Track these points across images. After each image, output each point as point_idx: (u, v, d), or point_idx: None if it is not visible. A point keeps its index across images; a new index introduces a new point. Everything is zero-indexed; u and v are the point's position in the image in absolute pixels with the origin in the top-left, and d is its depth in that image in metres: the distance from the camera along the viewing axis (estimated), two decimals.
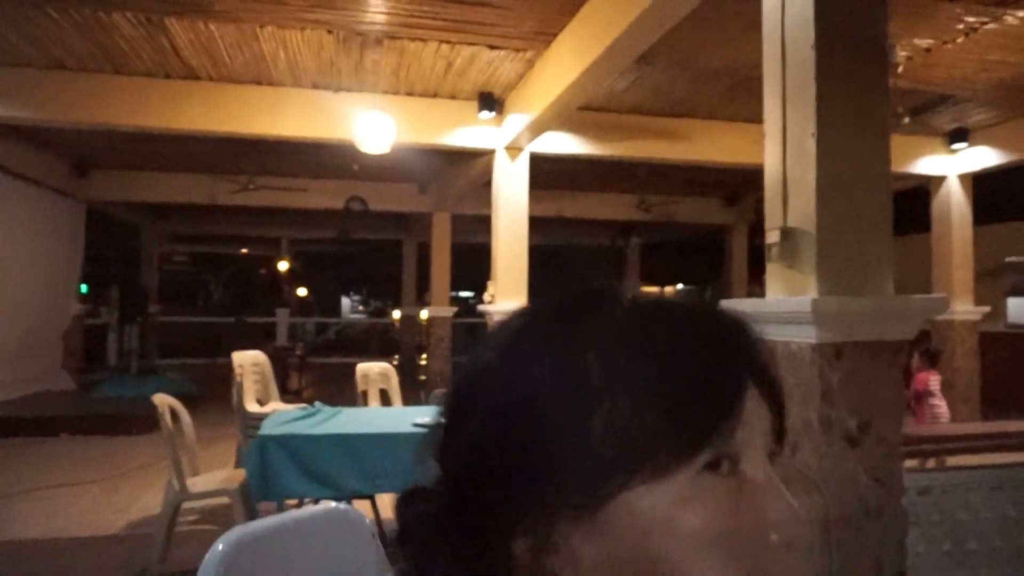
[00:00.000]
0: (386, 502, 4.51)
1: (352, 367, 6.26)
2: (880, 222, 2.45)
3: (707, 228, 13.81)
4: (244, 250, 23.07)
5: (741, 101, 7.16)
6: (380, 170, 9.89)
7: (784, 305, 2.39)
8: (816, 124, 2.41)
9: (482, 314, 7.55)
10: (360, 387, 5.92)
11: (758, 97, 7.09)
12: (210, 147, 8.65)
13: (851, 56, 2.47)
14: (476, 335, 16.15)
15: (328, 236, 16.39)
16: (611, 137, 7.64)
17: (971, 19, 5.17)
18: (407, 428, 3.87)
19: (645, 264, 17.33)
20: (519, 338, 0.52)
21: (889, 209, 2.49)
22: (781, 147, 2.61)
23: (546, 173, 7.69)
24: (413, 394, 7.33)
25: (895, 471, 2.43)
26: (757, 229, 13.00)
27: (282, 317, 17.40)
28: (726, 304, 0.52)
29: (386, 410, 5.52)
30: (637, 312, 0.52)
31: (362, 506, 4.01)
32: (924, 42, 5.57)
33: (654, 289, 20.64)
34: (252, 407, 5.73)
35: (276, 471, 3.63)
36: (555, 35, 5.42)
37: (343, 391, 9.39)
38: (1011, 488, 3.03)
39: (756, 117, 7.70)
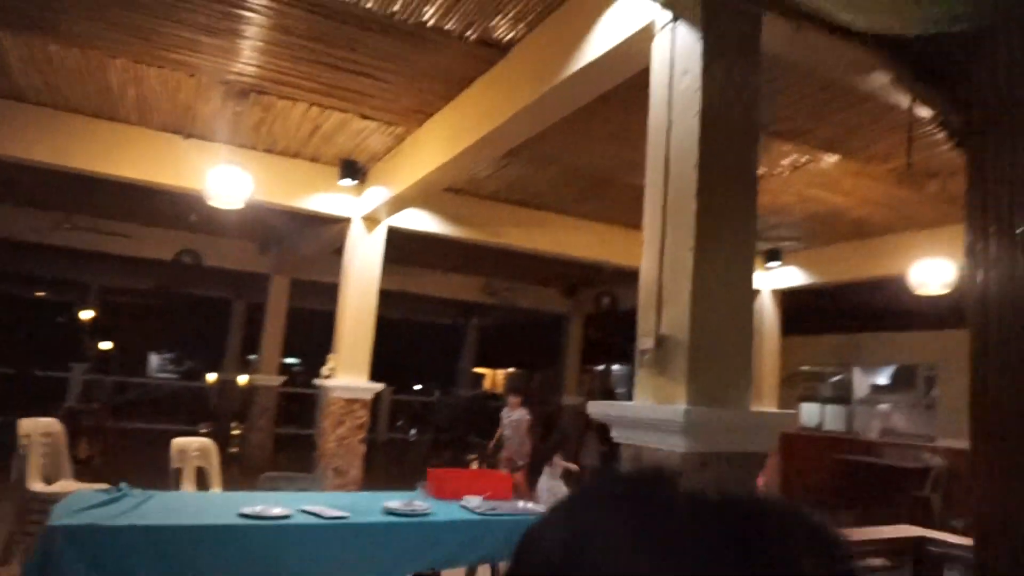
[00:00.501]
0: None
1: (157, 433, 5.62)
2: (744, 336, 2.60)
3: (545, 316, 14.25)
4: (40, 293, 20.52)
5: (593, 201, 7.58)
6: (220, 225, 9.30)
7: (657, 413, 2.44)
8: (695, 238, 2.54)
9: (314, 387, 7.16)
10: (175, 463, 5.30)
11: (608, 199, 7.59)
12: (26, 176, 7.71)
13: (729, 179, 2.67)
14: (304, 407, 15.34)
15: (145, 287, 15.03)
16: (468, 220, 7.74)
17: (796, 156, 5.87)
18: (234, 519, 3.44)
19: (483, 345, 17.52)
20: (581, 537, 0.47)
21: (751, 324, 2.66)
22: (659, 256, 2.72)
23: (397, 247, 7.62)
24: (228, 471, 6.70)
25: None
26: (592, 321, 13.63)
27: (77, 373, 15.44)
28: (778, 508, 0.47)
29: (208, 496, 4.94)
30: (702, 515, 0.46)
31: None
32: (758, 170, 6.23)
33: (487, 370, 20.83)
34: (37, 486, 4.92)
35: None
36: (430, 115, 5.46)
37: (147, 464, 8.37)
38: None
39: (603, 217, 8.25)
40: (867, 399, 11.45)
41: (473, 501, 3.95)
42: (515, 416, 7.77)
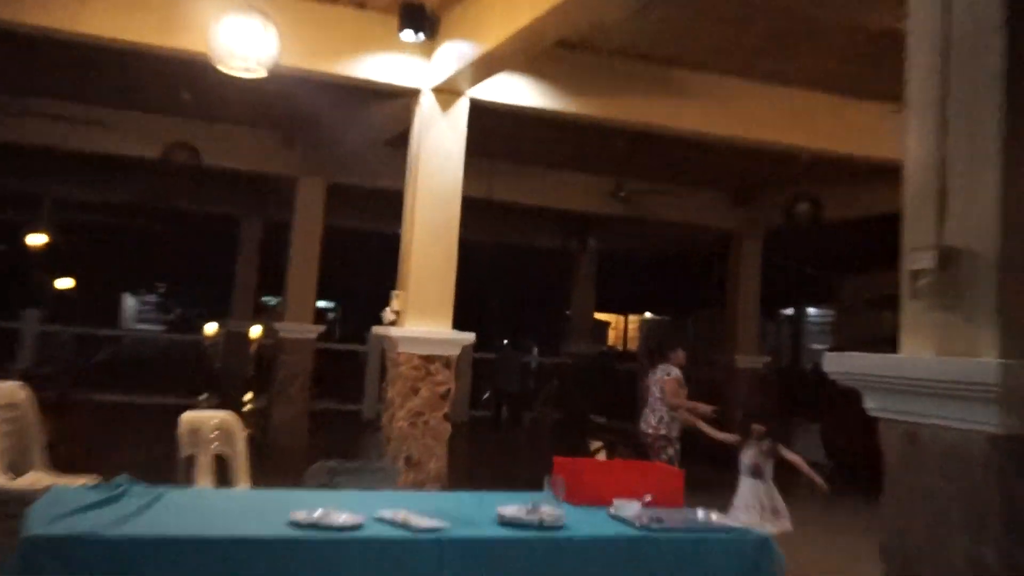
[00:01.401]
0: None
1: (139, 408, 5.84)
2: None
3: (704, 234, 14.04)
4: None
5: (782, 55, 7.26)
6: (226, 107, 9.49)
7: (949, 369, 2.32)
8: (1003, 98, 2.37)
9: (364, 341, 7.29)
10: (186, 449, 5.53)
11: (808, 50, 7.25)
12: None
13: None
14: (343, 373, 15.68)
15: (120, 200, 15.67)
16: (590, 89, 7.60)
17: None
18: (282, 529, 3.51)
19: (603, 279, 17.42)
20: None
21: None
22: (938, 123, 2.57)
23: (480, 134, 7.54)
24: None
25: None
26: (777, 241, 13.31)
27: (31, 323, 16.34)
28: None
29: (238, 495, 5.12)
30: None
31: None
32: None
33: (610, 317, 20.87)
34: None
35: None
36: None
37: (137, 450, 8.75)
38: None
39: (799, 80, 7.90)
40: None
41: (629, 508, 3.92)
42: (659, 373, 7.94)
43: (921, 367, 2.45)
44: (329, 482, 4.63)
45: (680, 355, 8.31)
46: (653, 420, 8.01)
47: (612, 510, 3.99)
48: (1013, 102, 2.40)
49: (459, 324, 7.08)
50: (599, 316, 19.19)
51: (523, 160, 11.47)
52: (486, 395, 16.80)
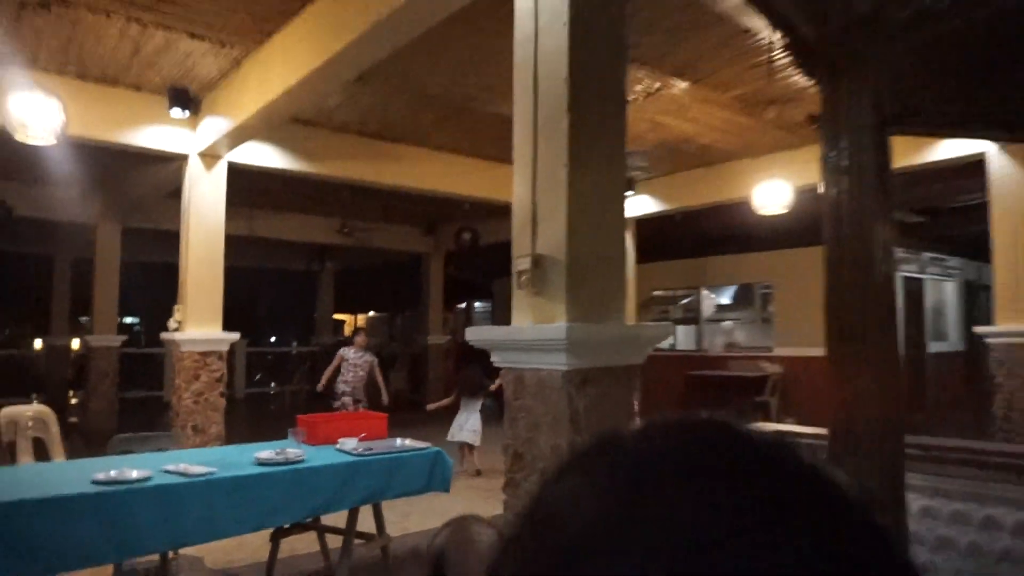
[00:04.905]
0: None
1: None
2: (618, 253, 2.61)
3: (405, 256, 13.99)
4: None
5: (452, 132, 7.39)
6: (28, 166, 8.18)
7: (539, 332, 2.40)
8: (568, 155, 2.48)
9: (161, 345, 6.60)
10: (5, 436, 4.73)
11: (468, 129, 7.43)
12: None
13: (599, 93, 2.61)
14: (149, 369, 14.29)
15: None
16: (318, 154, 7.32)
17: (649, 83, 5.97)
18: (87, 487, 3.05)
19: (341, 289, 16.96)
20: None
21: (624, 240, 2.66)
22: (532, 175, 2.64)
23: (240, 187, 7.06)
24: (70, 442, 6.10)
25: None
26: (453, 259, 13.54)
27: None
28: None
29: (51, 466, 4.44)
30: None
31: None
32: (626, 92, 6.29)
33: (346, 316, 20.32)
34: None
35: None
36: (270, 34, 5.00)
37: None
38: None
39: (463, 149, 8.08)
40: (713, 318, 12.29)
41: (349, 443, 3.81)
42: (366, 357, 7.66)
43: (524, 332, 2.52)
44: (127, 449, 4.10)
45: (361, 339, 7.87)
46: (359, 383, 7.68)
47: (338, 446, 3.85)
48: (573, 162, 2.53)
49: (234, 326, 6.62)
50: (338, 316, 18.59)
51: (274, 206, 10.85)
52: (258, 376, 15.93)
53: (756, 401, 9.80)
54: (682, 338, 12.59)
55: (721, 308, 12.48)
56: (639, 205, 9.49)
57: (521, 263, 2.57)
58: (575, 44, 2.55)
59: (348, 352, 7.68)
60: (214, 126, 6.01)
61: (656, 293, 12.65)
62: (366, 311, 19.98)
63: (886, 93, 2.60)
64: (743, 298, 12.19)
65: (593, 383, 2.40)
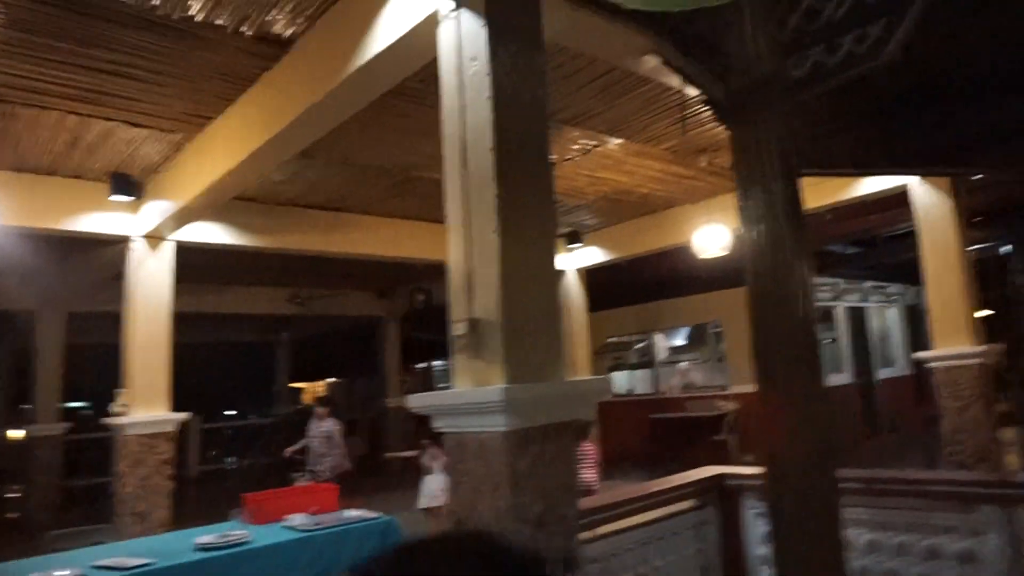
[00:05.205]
0: None
1: None
2: (552, 312, 2.70)
3: (361, 320, 13.93)
4: None
5: (397, 199, 7.51)
6: None
7: (476, 395, 2.45)
8: (497, 221, 2.58)
9: (107, 428, 6.42)
10: None
11: (412, 195, 7.56)
12: None
13: (525, 161, 2.74)
14: (103, 454, 13.75)
15: None
16: (266, 229, 7.36)
17: (585, 142, 6.21)
18: None
19: (298, 359, 16.75)
20: None
21: (558, 299, 2.76)
22: (465, 242, 2.74)
23: (189, 264, 7.05)
24: (7, 539, 5.82)
25: (574, 548, 2.60)
26: (408, 320, 13.53)
27: None
28: None
29: None
30: None
31: None
32: (551, 156, 6.49)
33: (304, 384, 19.99)
34: None
35: None
36: (210, 119, 5.09)
37: None
38: (656, 541, 3.47)
39: (410, 214, 8.20)
40: (668, 360, 12.48)
41: (296, 519, 3.75)
42: (324, 427, 7.56)
43: (463, 396, 2.57)
44: (59, 547, 3.97)
45: (321, 411, 7.77)
46: (322, 455, 7.58)
47: (285, 523, 3.79)
48: (503, 228, 2.63)
49: (188, 404, 6.52)
50: (297, 385, 18.30)
51: (225, 281, 10.78)
52: (213, 452, 15.43)
53: (714, 440, 9.91)
54: (639, 382, 12.71)
55: (677, 350, 12.68)
56: (587, 256, 9.70)
57: (458, 328, 2.64)
58: (499, 116, 2.69)
59: (310, 426, 7.62)
60: (158, 208, 6.02)
61: (611, 340, 12.81)
62: (325, 378, 19.71)
63: (792, 142, 2.79)
64: (697, 339, 12.42)
65: (534, 442, 2.45)
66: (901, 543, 3.08)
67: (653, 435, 11.13)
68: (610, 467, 9.76)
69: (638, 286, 11.85)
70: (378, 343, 13.53)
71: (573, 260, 9.84)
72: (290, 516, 3.79)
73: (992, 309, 9.99)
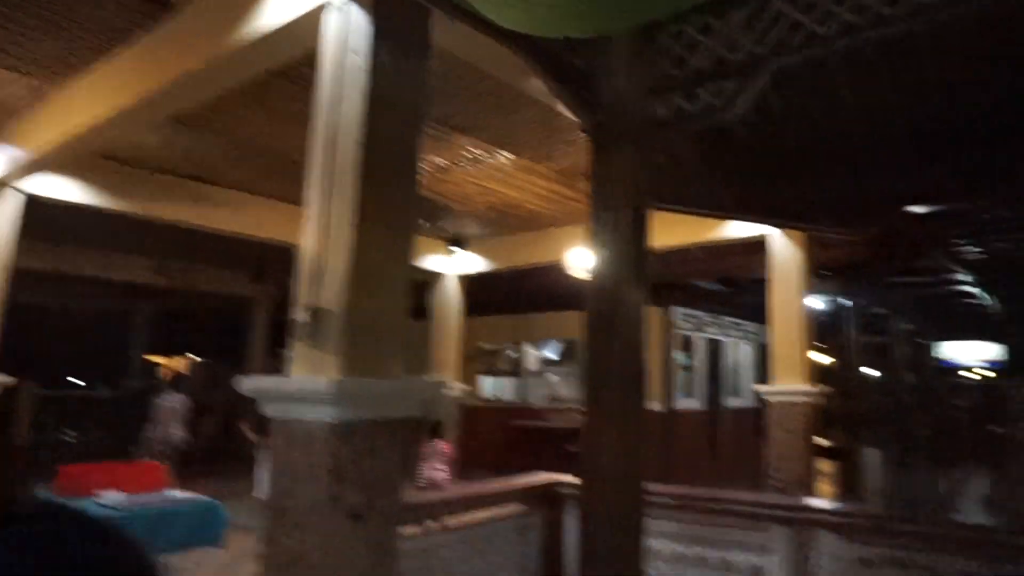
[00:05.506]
0: None
1: None
2: (398, 312, 2.75)
3: (231, 300, 13.38)
4: None
5: (281, 181, 7.30)
6: None
7: (307, 384, 2.47)
8: (358, 217, 2.62)
9: None
10: None
11: (297, 180, 7.37)
12: None
13: (392, 159, 2.79)
14: None
15: None
16: (133, 193, 6.98)
17: (475, 151, 6.31)
18: None
19: (157, 331, 15.84)
20: None
21: (406, 301, 2.82)
22: (320, 231, 2.75)
23: (43, 220, 6.56)
24: None
25: (392, 541, 2.65)
26: (282, 306, 13.13)
27: None
28: None
29: None
30: None
31: None
32: (442, 161, 6.56)
33: (163, 359, 18.92)
34: None
35: None
36: (77, 69, 4.79)
37: None
38: (481, 541, 3.59)
39: (292, 198, 7.99)
40: (537, 371, 12.79)
41: (113, 497, 3.57)
42: (169, 402, 7.29)
43: (292, 383, 2.58)
44: None
45: (166, 372, 7.64)
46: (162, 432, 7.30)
47: (100, 500, 3.61)
48: (361, 222, 2.66)
49: (18, 370, 6.10)
50: (153, 358, 17.28)
51: (83, 242, 10.05)
52: (49, 422, 14.39)
53: (569, 451, 10.24)
54: (507, 390, 12.95)
55: (549, 362, 13.01)
56: (469, 263, 9.81)
57: (301, 314, 2.64)
58: (372, 113, 2.73)
59: (156, 399, 7.29)
60: (6, 154, 5.60)
61: (483, 346, 12.98)
62: (185, 354, 18.74)
63: (647, 177, 2.97)
64: (568, 353, 12.80)
65: (361, 435, 2.50)
66: (699, 555, 3.34)
67: (514, 441, 11.37)
68: (469, 468, 9.87)
69: (514, 296, 12.09)
70: (247, 325, 13.06)
71: (454, 265, 9.92)
72: (104, 493, 3.60)
73: (834, 357, 10.91)
